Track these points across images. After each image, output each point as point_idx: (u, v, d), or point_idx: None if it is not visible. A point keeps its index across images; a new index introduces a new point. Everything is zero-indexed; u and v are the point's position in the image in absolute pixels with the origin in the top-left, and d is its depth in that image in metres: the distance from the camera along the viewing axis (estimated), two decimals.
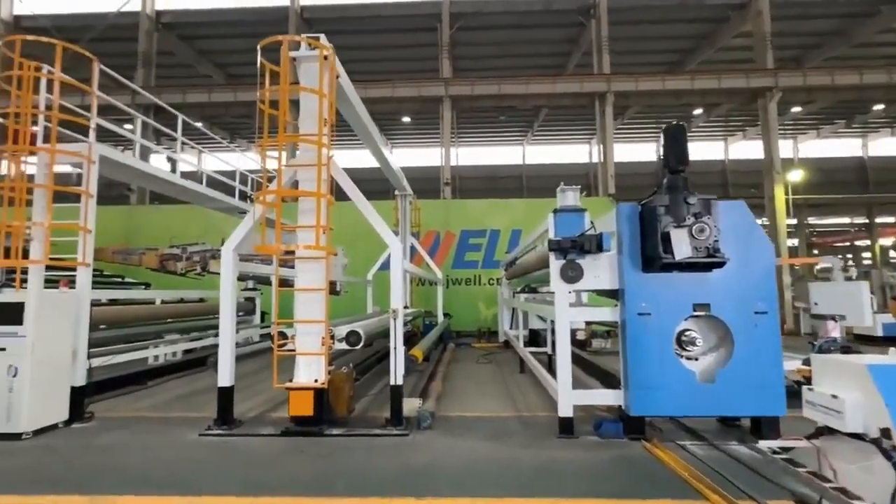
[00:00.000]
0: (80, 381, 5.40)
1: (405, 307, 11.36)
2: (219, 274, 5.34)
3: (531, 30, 18.15)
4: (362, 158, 22.23)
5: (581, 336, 10.66)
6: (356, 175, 5.66)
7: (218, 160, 9.92)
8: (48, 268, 5.50)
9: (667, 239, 4.09)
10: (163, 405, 6.22)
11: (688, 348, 4.40)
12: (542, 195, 17.24)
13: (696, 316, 4.36)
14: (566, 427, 4.52)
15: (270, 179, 5.16)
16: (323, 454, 4.19)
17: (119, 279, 13.06)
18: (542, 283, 8.99)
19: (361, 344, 5.15)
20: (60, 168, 5.56)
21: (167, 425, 5.21)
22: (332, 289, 15.01)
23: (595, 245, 4.35)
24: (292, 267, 5.45)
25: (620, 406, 4.53)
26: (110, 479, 3.70)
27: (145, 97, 13.00)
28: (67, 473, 3.85)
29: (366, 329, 5.34)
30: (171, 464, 4.04)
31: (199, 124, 8.98)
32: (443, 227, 14.68)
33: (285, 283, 6.33)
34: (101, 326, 7.84)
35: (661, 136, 4.34)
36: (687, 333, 4.40)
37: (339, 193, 5.36)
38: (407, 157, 27.63)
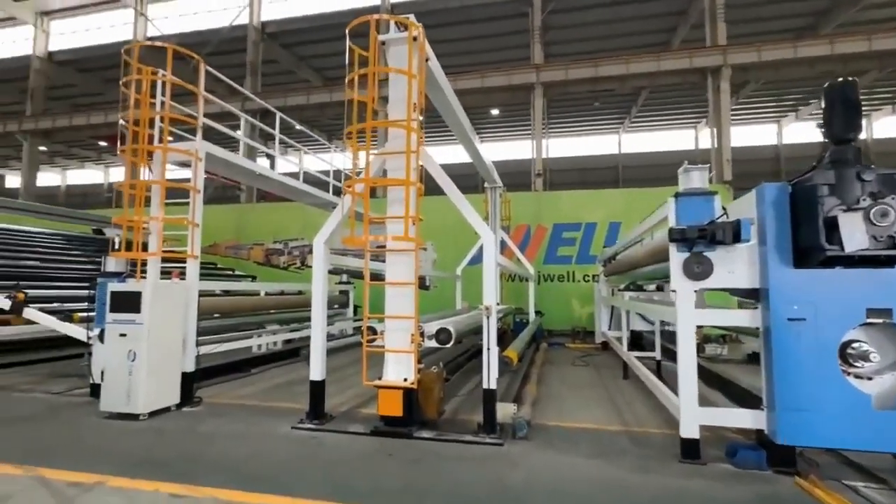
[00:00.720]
0: (190, 367, 5.70)
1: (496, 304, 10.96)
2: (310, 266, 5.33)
3: (631, 5, 16.73)
4: (447, 154, 22.23)
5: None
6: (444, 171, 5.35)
7: (319, 160, 10.24)
8: (168, 260, 5.90)
9: (832, 226, 3.24)
10: (262, 394, 6.41)
11: (857, 364, 3.50)
12: (640, 186, 15.87)
13: (870, 324, 3.44)
14: (690, 450, 3.83)
15: (361, 173, 5.03)
16: (412, 459, 3.93)
17: (230, 272, 14.16)
18: (651, 280, 8.09)
19: (452, 342, 4.84)
20: (182, 173, 5.91)
21: (264, 415, 5.30)
22: (422, 284, 14.94)
23: (731, 234, 3.59)
24: (384, 261, 5.30)
25: (762, 431, 3.73)
26: (207, 468, 3.73)
27: (253, 103, 13.92)
28: (171, 458, 3.97)
29: (456, 326, 5.02)
30: (264, 457, 4.02)
31: (299, 127, 9.24)
32: (534, 220, 14.02)
33: (377, 278, 6.22)
34: (215, 315, 8.44)
35: (823, 97, 3.47)
36: (855, 346, 3.49)
37: (427, 189, 5.10)
38: (494, 151, 27.11)
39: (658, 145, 26.90)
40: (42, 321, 6.28)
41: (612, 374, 7.80)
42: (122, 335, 5.16)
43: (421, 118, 4.72)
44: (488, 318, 4.52)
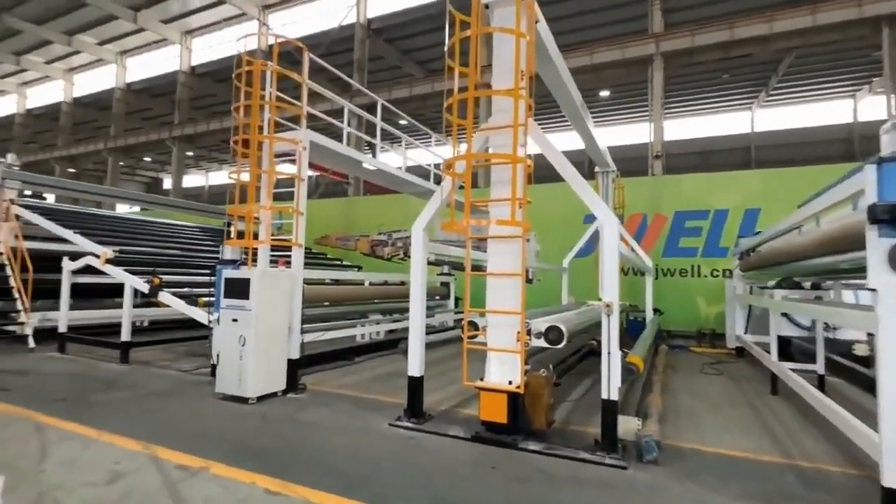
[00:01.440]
0: (295, 354, 5.77)
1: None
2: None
3: None
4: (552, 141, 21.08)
5: (862, 351, 7.73)
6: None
7: (422, 153, 10.12)
8: (278, 249, 6.04)
9: None
10: (363, 384, 6.34)
11: None
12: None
13: None
14: None
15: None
16: (519, 477, 3.43)
17: (338, 262, 14.75)
18: (812, 277, 6.65)
19: (564, 342, 4.23)
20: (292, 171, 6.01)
21: (363, 408, 5.16)
22: (525, 276, 14.21)
23: None
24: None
25: None
26: (304, 463, 3.59)
27: (361, 98, 14.30)
28: (271, 447, 3.91)
29: (568, 325, 4.39)
30: (361, 455, 3.79)
31: (403, 122, 9.10)
32: (651, 208, 12.61)
33: (478, 269, 5.78)
34: (325, 304, 8.68)
35: None
36: None
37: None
38: (603, 137, 25.25)
39: (801, 121, 23.06)
40: (173, 304, 6.83)
41: (754, 388, 6.56)
42: (234, 320, 5.33)
43: (530, 88, 4.15)
44: (609, 316, 3.84)
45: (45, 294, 8.84)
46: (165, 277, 7.47)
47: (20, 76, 28.87)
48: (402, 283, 12.34)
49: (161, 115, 27.49)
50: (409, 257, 16.45)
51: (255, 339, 5.22)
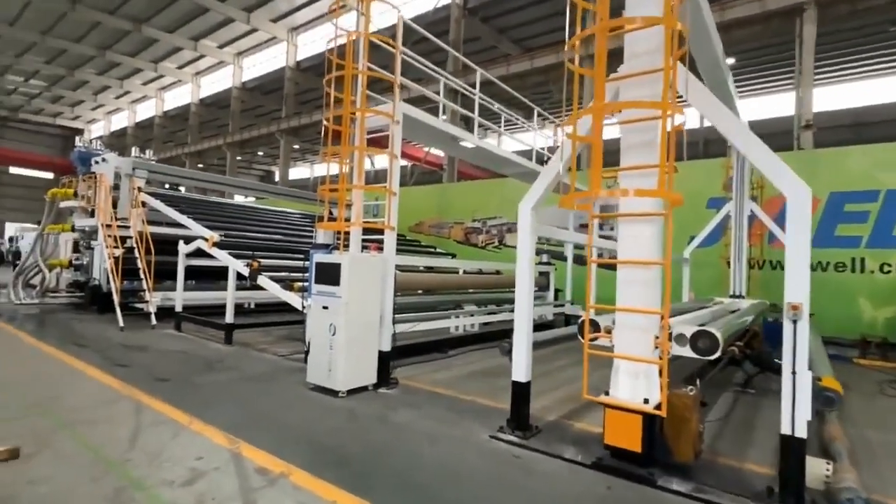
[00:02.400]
0: (386, 345, 5.34)
1: (738, 295, 8.45)
2: (514, 247, 4.39)
3: None
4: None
5: None
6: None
7: (525, 136, 9.31)
8: (371, 231, 5.66)
9: None
10: (458, 381, 5.77)
11: None
12: None
13: None
14: None
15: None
16: None
17: (432, 249, 14.44)
18: None
19: (718, 352, 3.24)
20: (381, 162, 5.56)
21: (459, 411, 4.56)
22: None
23: None
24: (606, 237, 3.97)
25: None
26: (390, 480, 3.06)
27: (463, 77, 13.70)
28: (357, 454, 3.44)
29: (723, 329, 3.39)
30: (456, 473, 3.18)
31: (496, 106, 8.27)
32: None
33: (579, 260, 4.91)
34: (419, 291, 8.30)
35: None
36: None
37: None
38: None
39: None
40: (269, 288, 6.80)
41: None
42: (325, 308, 5.01)
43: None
44: (795, 322, 2.80)
45: (165, 275, 9.48)
46: (266, 262, 7.52)
47: (159, 82, 32.54)
48: (498, 273, 11.68)
49: (271, 111, 29.37)
50: (504, 245, 15.80)
51: (346, 328, 4.86)
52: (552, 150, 9.30)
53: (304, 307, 6.18)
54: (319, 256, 5.20)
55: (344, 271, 4.89)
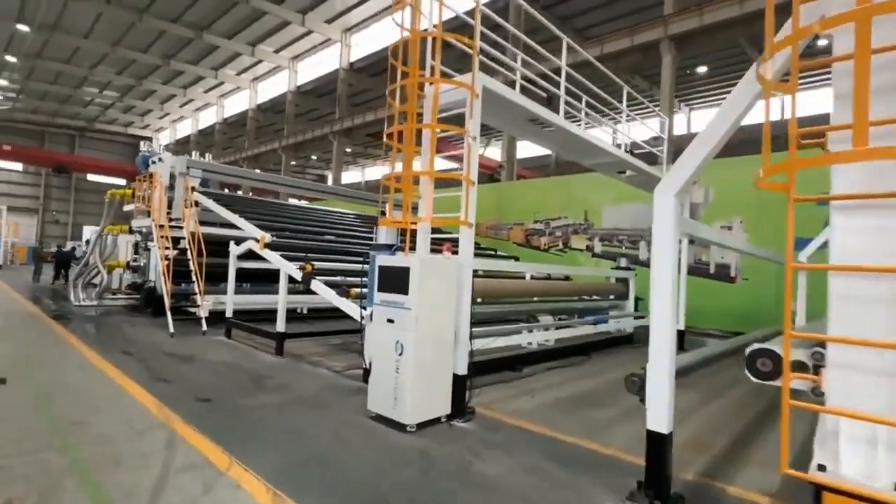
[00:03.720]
0: (462, 367, 4.39)
1: None
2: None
3: None
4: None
5: None
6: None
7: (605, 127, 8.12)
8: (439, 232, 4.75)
9: None
10: (546, 412, 4.72)
11: None
12: None
13: None
14: None
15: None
16: None
17: (492, 252, 13.42)
18: None
19: None
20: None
21: (562, 461, 3.51)
22: (725, 274, 11.07)
23: None
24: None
25: None
26: None
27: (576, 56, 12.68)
28: None
29: None
30: None
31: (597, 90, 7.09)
32: None
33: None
34: (478, 300, 7.32)
35: None
36: None
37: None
38: None
39: None
40: (324, 295, 6.04)
41: None
42: (390, 321, 4.12)
43: None
44: None
45: (218, 277, 9.03)
46: (320, 265, 6.79)
47: (219, 89, 33.56)
48: (567, 279, 10.51)
49: (324, 114, 29.45)
50: (569, 248, 14.53)
51: (416, 346, 3.94)
52: (636, 145, 8.07)
53: (362, 317, 5.34)
54: (383, 259, 4.33)
55: (413, 277, 3.98)
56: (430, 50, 4.66)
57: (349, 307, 5.67)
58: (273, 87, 30.56)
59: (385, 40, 22.93)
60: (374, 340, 4.29)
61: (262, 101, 31.69)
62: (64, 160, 34.21)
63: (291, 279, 6.69)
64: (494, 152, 33.39)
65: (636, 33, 13.61)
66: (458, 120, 4.60)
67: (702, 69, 20.89)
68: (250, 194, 18.44)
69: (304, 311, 10.50)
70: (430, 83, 4.36)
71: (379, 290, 4.27)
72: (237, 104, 34.38)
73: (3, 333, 7.45)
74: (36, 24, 23.06)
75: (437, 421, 4.17)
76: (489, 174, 29.92)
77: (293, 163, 30.73)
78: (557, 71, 6.13)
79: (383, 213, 5.33)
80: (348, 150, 28.92)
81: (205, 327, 8.19)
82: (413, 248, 4.52)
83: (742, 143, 21.28)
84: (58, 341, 6.99)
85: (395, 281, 4.10)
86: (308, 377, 5.68)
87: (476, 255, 5.25)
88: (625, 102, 7.34)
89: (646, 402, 2.97)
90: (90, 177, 40.91)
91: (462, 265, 4.41)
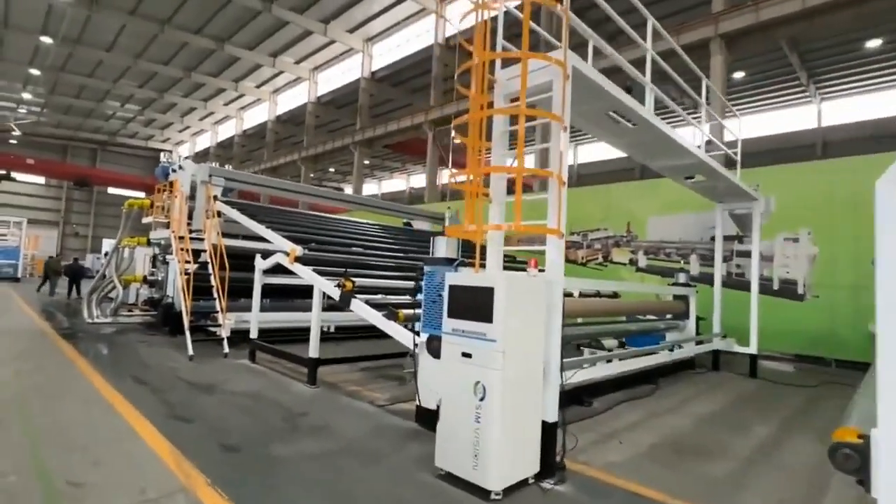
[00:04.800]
0: (553, 412, 3.49)
1: None
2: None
3: None
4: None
5: None
6: None
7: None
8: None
9: None
10: (644, 464, 3.80)
11: None
12: None
13: None
14: None
15: None
16: None
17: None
18: None
19: None
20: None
21: None
22: (791, 291, 9.89)
23: None
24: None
25: None
26: None
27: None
28: None
29: None
30: None
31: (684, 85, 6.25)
32: None
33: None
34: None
35: None
36: None
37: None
38: None
39: None
40: (366, 316, 5.21)
41: None
42: (466, 356, 3.26)
43: None
44: None
45: (238, 293, 8.29)
46: (357, 280, 5.98)
47: (239, 101, 33.47)
48: (616, 295, 9.56)
49: (343, 126, 29.05)
50: (609, 262, 13.56)
51: (503, 389, 3.07)
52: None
53: (416, 345, 4.50)
54: (455, 277, 3.48)
55: (499, 301, 3.12)
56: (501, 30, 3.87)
57: (398, 332, 4.82)
58: (292, 99, 30.33)
59: (407, 48, 22.48)
60: (444, 378, 3.43)
61: (282, 112, 31.47)
62: (85, 173, 34.38)
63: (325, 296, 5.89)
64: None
65: (681, 32, 12.76)
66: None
67: (738, 74, 19.91)
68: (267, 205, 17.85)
69: (331, 329, 9.69)
70: (520, 58, 3.54)
71: (450, 315, 3.42)
72: (256, 116, 34.26)
73: (8, 356, 6.74)
74: (60, 37, 23.07)
75: (524, 483, 3.27)
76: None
77: (311, 175, 30.33)
78: (635, 61, 5.29)
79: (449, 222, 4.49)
80: (366, 161, 28.43)
81: (226, 349, 7.41)
82: (482, 265, 3.69)
83: (798, 148, 20.34)
84: (65, 366, 6.26)
85: (473, 305, 3.25)
86: (349, 414, 4.82)
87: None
88: (704, 97, 6.46)
89: (871, 487, 2.05)
90: (111, 190, 41.13)
91: (552, 284, 3.54)
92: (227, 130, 37.96)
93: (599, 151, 26.49)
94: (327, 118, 29.60)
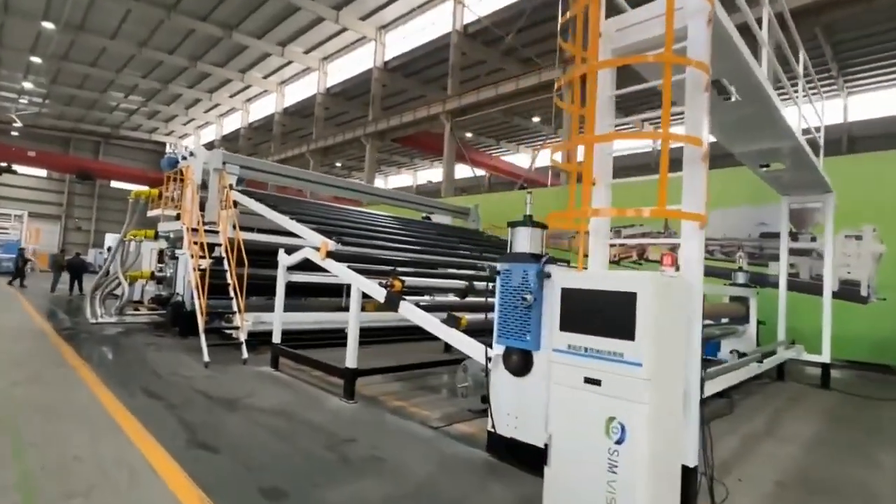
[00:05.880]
0: (693, 454, 2.71)
1: None
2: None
3: None
4: None
5: None
6: None
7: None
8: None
9: None
10: None
11: None
12: None
13: None
14: None
15: None
16: None
17: (565, 264, 11.69)
18: None
19: None
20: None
21: None
22: (850, 292, 9.23)
23: None
24: None
25: None
26: None
27: None
28: None
29: None
30: None
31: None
32: None
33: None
34: None
35: None
36: None
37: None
38: None
39: None
40: (420, 322, 4.41)
41: None
42: (592, 382, 2.47)
43: None
44: None
45: (252, 291, 7.52)
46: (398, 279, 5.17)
47: (245, 93, 32.61)
48: None
49: (353, 118, 28.19)
50: (645, 260, 12.75)
51: (650, 429, 2.28)
52: None
53: (489, 359, 3.71)
54: (569, 278, 2.68)
55: (645, 311, 2.33)
56: None
57: (463, 342, 4.03)
58: (301, 90, 29.47)
59: (421, 37, 21.61)
60: (557, 409, 2.64)
61: (290, 104, 30.62)
62: (88, 166, 33.59)
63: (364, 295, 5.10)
64: (522, 159, 31.82)
65: None
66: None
67: None
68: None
69: None
70: None
71: (564, 327, 2.62)
72: (263, 108, 33.41)
73: (2, 361, 5.97)
74: (62, 23, 22.24)
75: None
76: (519, 183, 28.28)
77: (320, 168, 29.51)
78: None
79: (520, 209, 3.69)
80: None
81: (245, 354, 6.64)
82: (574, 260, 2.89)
83: (866, 138, 19.34)
84: (66, 375, 5.48)
85: (603, 315, 2.46)
86: (403, 440, 4.04)
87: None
88: (801, 68, 5.63)
89: None
90: (113, 184, 40.36)
91: (691, 288, 2.74)
92: (232, 123, 37.12)
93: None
94: (336, 110, 28.73)
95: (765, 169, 6.82)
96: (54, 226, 39.71)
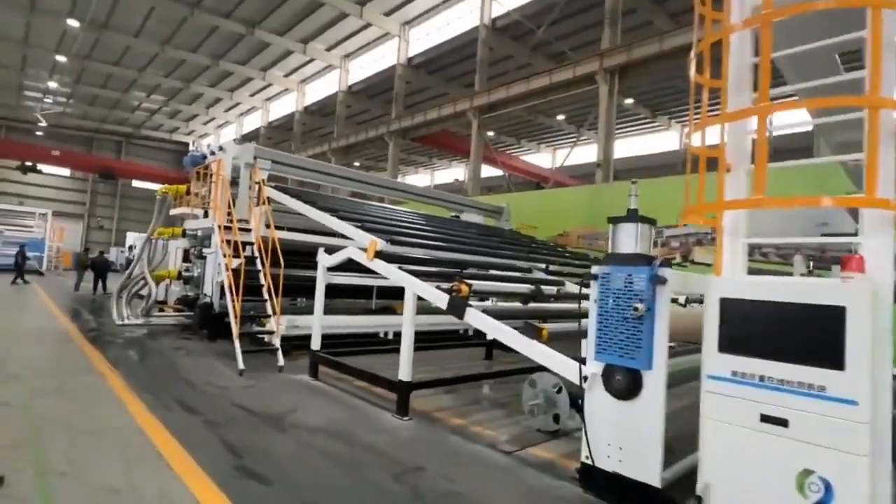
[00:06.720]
0: None
1: None
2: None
3: None
4: None
5: None
6: None
7: None
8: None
9: None
10: None
11: None
12: None
13: None
14: None
15: None
16: None
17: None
18: None
19: None
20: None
21: None
22: None
23: None
24: None
25: None
26: None
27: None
28: None
29: None
30: None
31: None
32: None
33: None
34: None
35: None
36: None
37: None
38: None
39: None
40: (491, 332, 3.86)
41: None
42: (775, 421, 1.90)
43: None
44: None
45: (283, 292, 7.07)
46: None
47: (265, 92, 32.46)
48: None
49: (375, 116, 27.79)
50: (691, 262, 12.04)
51: (869, 489, 1.70)
52: None
53: (584, 377, 3.15)
54: (729, 286, 2.12)
55: (855, 332, 1.76)
56: None
57: (548, 357, 3.47)
58: (321, 89, 29.15)
59: (446, 32, 21.11)
60: (720, 450, 2.07)
61: (310, 102, 30.36)
62: (111, 166, 33.80)
63: (420, 298, 4.58)
64: (542, 158, 31.10)
65: None
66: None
67: None
68: None
69: (390, 336, 8.41)
70: None
71: (727, 349, 2.05)
72: (283, 107, 33.22)
73: (26, 368, 5.58)
74: (87, 20, 22.21)
75: None
76: (536, 183, 27.55)
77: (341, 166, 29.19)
78: None
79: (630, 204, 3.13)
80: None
81: (281, 361, 6.18)
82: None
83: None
84: (94, 384, 5.06)
85: (787, 334, 1.89)
86: (476, 468, 3.49)
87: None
88: None
89: None
90: (135, 183, 40.65)
91: (879, 295, 2.15)
92: (252, 122, 37.05)
93: (633, 146, 24.82)
94: (358, 108, 28.35)
95: (856, 162, 6.14)
96: (77, 224, 40.10)
